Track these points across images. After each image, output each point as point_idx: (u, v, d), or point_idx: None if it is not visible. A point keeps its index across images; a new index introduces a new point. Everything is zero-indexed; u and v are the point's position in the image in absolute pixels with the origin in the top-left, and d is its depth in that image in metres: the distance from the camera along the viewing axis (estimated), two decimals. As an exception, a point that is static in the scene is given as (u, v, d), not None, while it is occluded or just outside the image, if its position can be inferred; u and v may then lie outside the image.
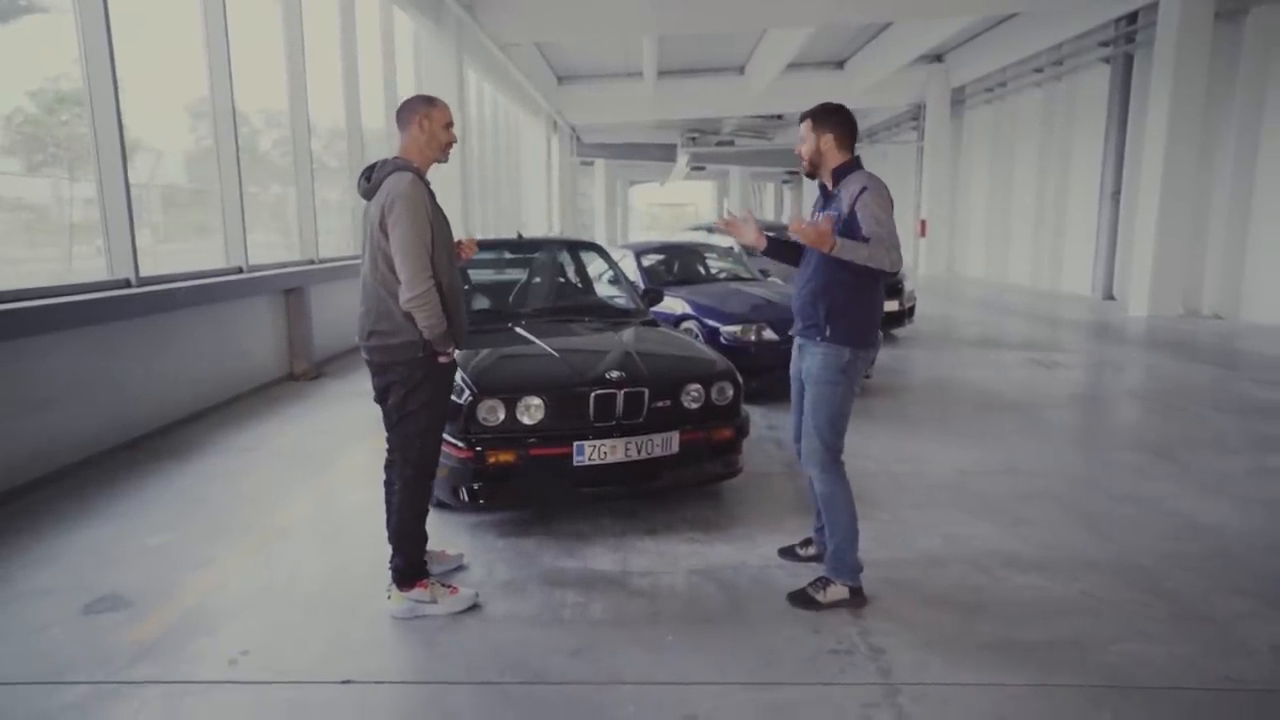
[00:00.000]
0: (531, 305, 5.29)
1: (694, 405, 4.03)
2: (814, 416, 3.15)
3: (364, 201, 3.09)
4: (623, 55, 17.86)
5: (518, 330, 4.65)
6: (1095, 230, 14.89)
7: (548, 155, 24.46)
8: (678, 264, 8.61)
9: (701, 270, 8.60)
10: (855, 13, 13.69)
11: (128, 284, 5.32)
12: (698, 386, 4.06)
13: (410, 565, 3.12)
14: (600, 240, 18.31)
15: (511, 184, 22.15)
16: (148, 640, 2.90)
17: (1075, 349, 9.64)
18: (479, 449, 3.66)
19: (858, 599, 3.13)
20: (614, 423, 3.81)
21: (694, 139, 29.19)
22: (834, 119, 3.17)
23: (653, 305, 5.59)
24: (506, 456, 3.69)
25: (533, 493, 3.91)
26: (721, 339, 6.45)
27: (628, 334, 4.71)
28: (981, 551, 3.65)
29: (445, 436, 3.75)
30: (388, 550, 3.17)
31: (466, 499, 3.76)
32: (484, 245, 6.20)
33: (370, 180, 3.03)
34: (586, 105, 22.49)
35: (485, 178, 17.03)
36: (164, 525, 4.01)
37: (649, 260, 8.26)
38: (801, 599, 3.15)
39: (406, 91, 12.50)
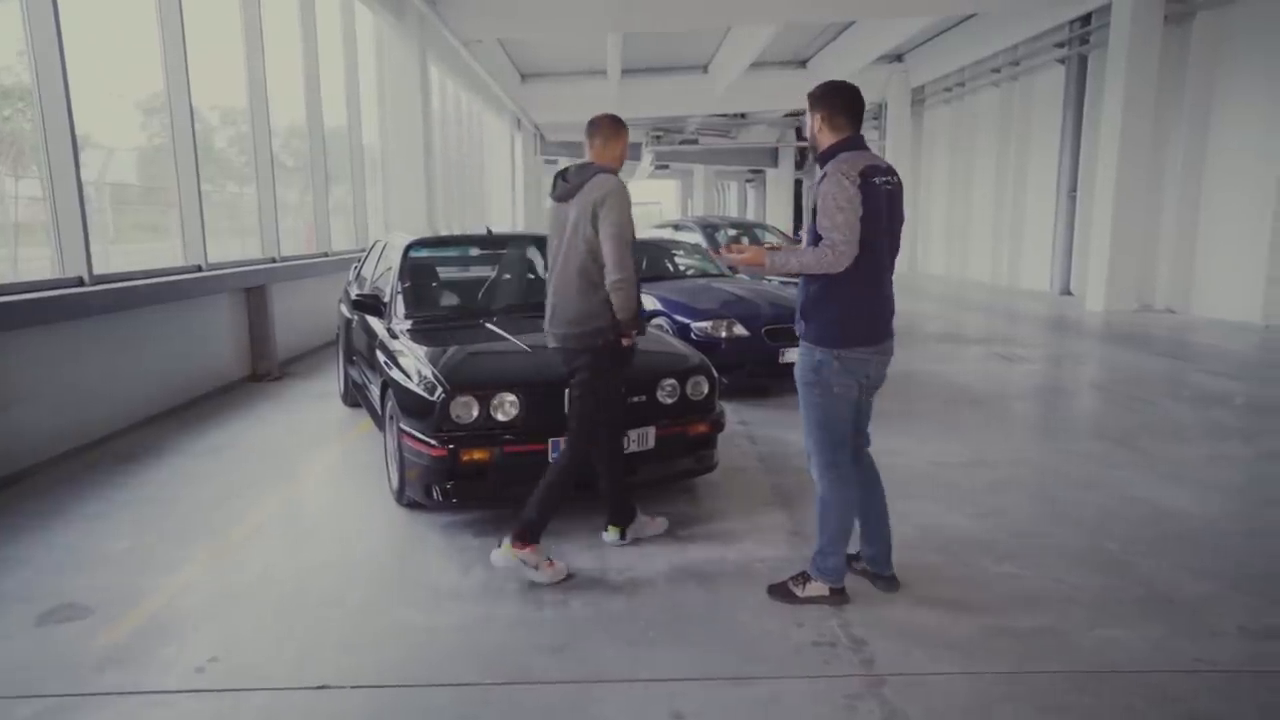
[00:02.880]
0: (503, 301, 5.21)
1: (669, 400, 4.01)
2: (804, 419, 3.07)
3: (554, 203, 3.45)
4: (587, 53, 17.77)
5: (489, 326, 4.58)
6: (1053, 227, 15.22)
7: (511, 153, 24.27)
8: (645, 260, 8.53)
9: (670, 267, 8.58)
10: (817, 11, 13.80)
11: (80, 282, 5.14)
12: (673, 381, 4.04)
13: (539, 524, 3.29)
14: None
15: (475, 181, 21.94)
16: (111, 649, 2.80)
17: (1036, 343, 9.83)
18: (452, 447, 3.59)
19: (837, 598, 3.09)
20: (589, 419, 3.77)
21: (658, 137, 29.15)
22: (826, 99, 2.97)
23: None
24: (480, 454, 3.63)
25: (508, 491, 3.84)
26: (692, 335, 6.44)
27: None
28: (956, 541, 3.68)
29: (416, 434, 3.70)
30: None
31: (439, 498, 3.70)
32: (453, 241, 6.15)
33: (568, 182, 3.37)
34: (550, 103, 22.31)
35: (449, 175, 16.85)
36: (126, 529, 3.88)
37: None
38: (780, 592, 3.14)
39: (369, 88, 12.33)
